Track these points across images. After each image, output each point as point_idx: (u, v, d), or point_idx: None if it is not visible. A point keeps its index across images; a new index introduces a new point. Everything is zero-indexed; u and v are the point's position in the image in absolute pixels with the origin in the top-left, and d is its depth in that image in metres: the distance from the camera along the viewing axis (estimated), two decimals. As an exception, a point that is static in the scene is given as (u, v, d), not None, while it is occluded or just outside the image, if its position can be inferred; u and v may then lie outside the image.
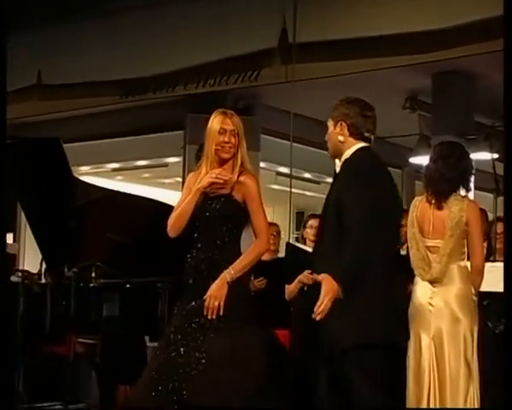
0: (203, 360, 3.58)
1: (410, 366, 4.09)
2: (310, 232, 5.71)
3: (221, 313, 3.63)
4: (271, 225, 6.29)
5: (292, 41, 7.16)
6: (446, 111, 7.38)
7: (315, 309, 3.32)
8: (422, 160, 8.00)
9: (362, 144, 3.61)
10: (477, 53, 6.31)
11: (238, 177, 3.73)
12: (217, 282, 3.65)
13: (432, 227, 4.19)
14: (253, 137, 8.46)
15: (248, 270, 3.78)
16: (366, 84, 7.59)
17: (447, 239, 4.12)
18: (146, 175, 10.55)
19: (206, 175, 3.74)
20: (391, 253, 3.53)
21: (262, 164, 8.89)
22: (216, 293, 3.63)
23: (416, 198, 4.36)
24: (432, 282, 4.14)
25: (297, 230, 10.52)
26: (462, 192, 4.20)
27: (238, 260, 3.70)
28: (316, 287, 5.33)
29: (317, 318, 3.33)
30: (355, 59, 6.86)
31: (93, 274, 5.23)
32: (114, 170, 10.29)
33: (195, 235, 3.77)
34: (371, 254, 3.37)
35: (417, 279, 4.19)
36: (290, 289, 5.52)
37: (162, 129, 8.81)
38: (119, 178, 10.67)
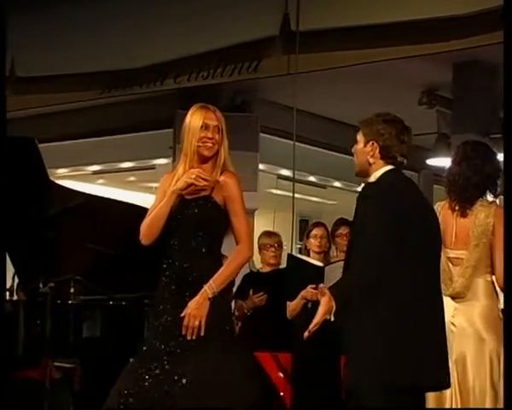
0: (180, 384, 3.56)
1: (429, 393, 4.06)
2: (313, 242, 5.70)
3: (202, 333, 3.61)
4: (272, 234, 6.27)
5: (295, 28, 7.14)
6: (468, 107, 7.36)
7: (309, 327, 3.35)
8: (441, 161, 8.00)
9: (391, 167, 3.60)
10: (502, 41, 6.29)
11: (219, 176, 3.74)
12: (197, 298, 3.63)
13: (454, 236, 4.17)
14: (252, 136, 8.46)
15: (228, 282, 3.75)
16: (378, 76, 7.59)
17: (471, 249, 4.10)
18: (131, 179, 10.54)
19: (183, 175, 3.73)
20: (420, 281, 3.47)
21: (261, 166, 8.88)
22: (196, 312, 3.61)
23: (437, 204, 4.34)
24: (454, 297, 4.13)
25: (300, 239, 10.52)
26: (490, 198, 4.19)
27: (219, 272, 3.67)
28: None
29: (306, 338, 3.39)
30: (365, 48, 6.84)
31: (72, 290, 5.20)
32: (95, 173, 10.26)
33: (171, 243, 3.75)
34: (386, 284, 3.37)
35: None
36: (292, 306, 5.50)
37: (149, 127, 8.79)
38: (101, 181, 10.65)
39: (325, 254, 5.75)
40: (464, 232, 4.14)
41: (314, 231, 5.75)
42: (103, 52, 8.10)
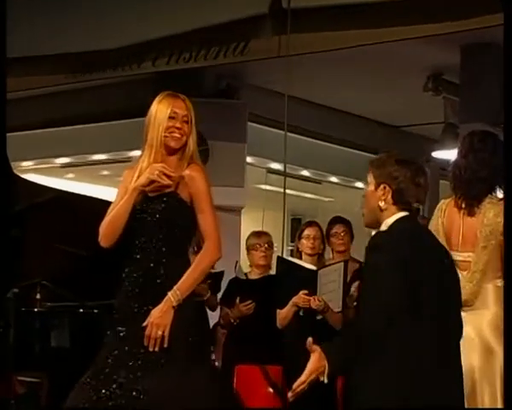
0: (140, 401, 3.59)
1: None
2: (306, 244, 5.72)
3: (165, 344, 3.65)
4: (262, 234, 6.28)
5: (286, 6, 7.16)
6: (477, 94, 7.40)
7: (294, 386, 3.34)
8: (448, 153, 8.04)
9: (404, 214, 3.59)
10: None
11: (184, 170, 3.78)
12: (161, 306, 3.67)
13: (461, 237, 4.20)
14: (239, 125, 8.48)
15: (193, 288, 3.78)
16: (379, 59, 7.62)
17: (479, 252, 4.13)
18: (104, 172, 10.54)
19: (146, 170, 3.77)
20: (434, 337, 3.47)
21: (249, 159, 8.90)
22: (159, 320, 3.65)
23: (442, 201, 4.36)
24: (460, 305, 4.17)
25: (292, 240, 10.53)
26: (500, 194, 4.22)
27: (184, 277, 3.71)
28: (315, 313, 5.38)
29: (290, 399, 3.39)
30: (365, 28, 6.86)
31: (38, 295, 5.22)
32: (64, 166, 10.26)
33: (134, 243, 3.78)
34: (390, 344, 3.39)
35: None
36: (283, 314, 5.53)
37: (124, 115, 8.80)
38: (71, 176, 10.65)
39: (319, 257, 5.77)
40: (472, 233, 4.17)
41: (306, 232, 5.76)
42: (73, 32, 8.07)
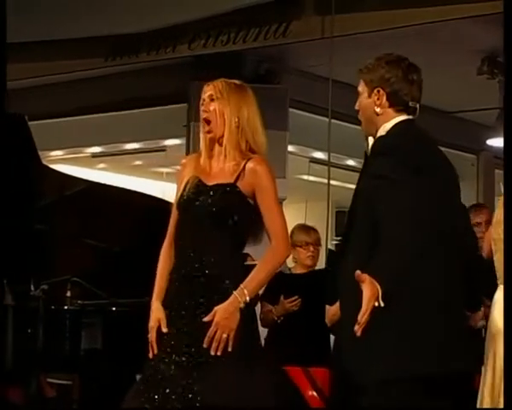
0: (195, 403, 3.54)
1: (483, 403, 4.11)
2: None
3: (229, 348, 3.56)
4: (311, 231, 6.24)
5: (330, -16, 7.13)
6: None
7: (358, 318, 3.28)
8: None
9: (404, 117, 3.62)
10: None
11: (246, 163, 3.69)
12: (226, 306, 3.58)
13: None
14: (280, 112, 8.44)
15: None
16: (429, 40, 7.55)
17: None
18: (137, 162, 10.58)
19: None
20: (446, 262, 3.46)
21: (291, 148, 8.87)
22: (225, 322, 3.56)
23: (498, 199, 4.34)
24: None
25: (337, 234, 10.48)
26: None
27: (251, 276, 3.62)
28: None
29: (358, 332, 3.29)
30: (414, 7, 6.82)
31: (68, 293, 5.24)
32: (96, 156, 10.31)
33: (185, 236, 3.70)
34: (416, 263, 3.34)
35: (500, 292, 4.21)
36: (333, 310, 5.49)
37: (159, 102, 8.81)
38: (102, 166, 10.70)
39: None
40: None
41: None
42: (103, 13, 8.10)
